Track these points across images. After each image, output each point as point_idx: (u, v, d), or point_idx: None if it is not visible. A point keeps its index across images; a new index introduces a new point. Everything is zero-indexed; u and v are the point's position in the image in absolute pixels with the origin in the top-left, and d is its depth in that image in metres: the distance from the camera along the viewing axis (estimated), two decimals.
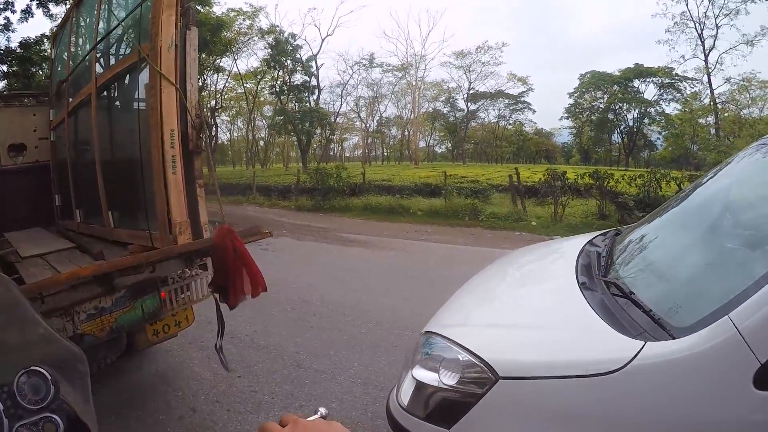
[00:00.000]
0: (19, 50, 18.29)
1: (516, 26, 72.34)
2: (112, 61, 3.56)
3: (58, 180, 4.81)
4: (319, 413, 0.68)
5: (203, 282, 2.93)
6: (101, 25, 3.72)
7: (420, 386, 1.72)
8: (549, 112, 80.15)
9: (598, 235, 2.70)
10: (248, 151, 44.46)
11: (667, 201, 2.99)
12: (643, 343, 1.39)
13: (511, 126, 45.65)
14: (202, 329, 3.66)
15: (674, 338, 1.38)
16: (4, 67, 18.58)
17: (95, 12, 3.90)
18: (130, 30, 3.26)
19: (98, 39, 3.65)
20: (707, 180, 2.42)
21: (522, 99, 43.17)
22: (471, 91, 41.59)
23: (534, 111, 44.40)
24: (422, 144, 47.96)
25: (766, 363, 1.21)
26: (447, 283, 5.44)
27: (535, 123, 46.32)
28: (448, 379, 1.63)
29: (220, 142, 40.80)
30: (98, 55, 3.70)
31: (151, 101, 2.56)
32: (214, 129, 34.02)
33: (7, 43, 18.52)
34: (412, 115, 43.13)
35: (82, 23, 4.56)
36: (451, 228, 10.89)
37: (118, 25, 3.42)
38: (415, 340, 1.98)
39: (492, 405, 1.52)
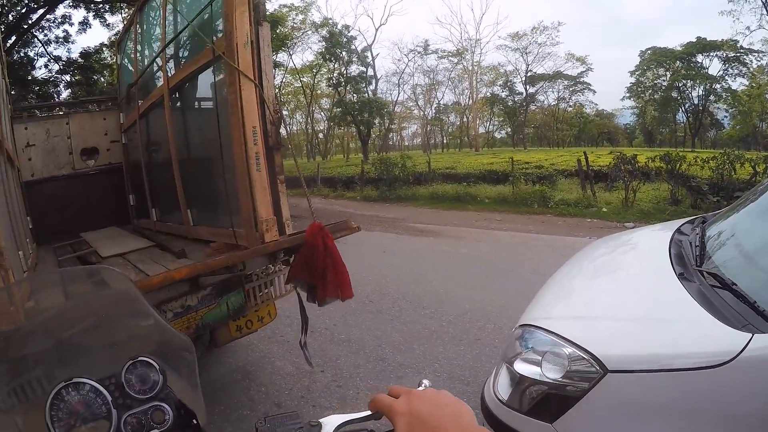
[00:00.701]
0: (80, 60, 19.24)
1: (571, 3, 69.09)
2: (182, 62, 3.60)
3: (131, 180, 4.98)
4: (423, 385, 0.68)
5: (286, 277, 2.92)
6: (168, 27, 3.78)
7: (521, 380, 1.68)
8: (610, 93, 76.59)
9: (685, 223, 2.59)
10: (308, 144, 45.45)
11: (756, 186, 2.86)
12: (751, 335, 1.34)
13: (571, 108, 44.22)
14: (281, 323, 3.64)
15: None
16: (67, 77, 19.62)
17: (160, 15, 3.96)
18: (201, 30, 3.29)
19: (167, 41, 3.70)
20: None
21: (581, 80, 41.67)
22: (529, 74, 40.68)
23: (594, 91, 42.65)
24: (481, 130, 47.30)
25: None
26: (525, 273, 5.41)
27: (596, 104, 44.49)
28: (552, 372, 1.60)
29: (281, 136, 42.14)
30: (168, 57, 3.76)
31: (231, 99, 2.55)
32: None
33: (68, 54, 19.60)
34: (470, 100, 42.73)
35: (146, 27, 4.67)
36: (520, 216, 10.66)
37: (188, 25, 3.44)
38: (512, 333, 1.93)
39: (599, 399, 1.49)
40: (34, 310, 1.15)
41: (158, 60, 3.91)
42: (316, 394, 3.21)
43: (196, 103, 3.46)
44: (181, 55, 3.72)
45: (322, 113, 43.23)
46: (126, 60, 5.41)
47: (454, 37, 61.53)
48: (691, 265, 1.92)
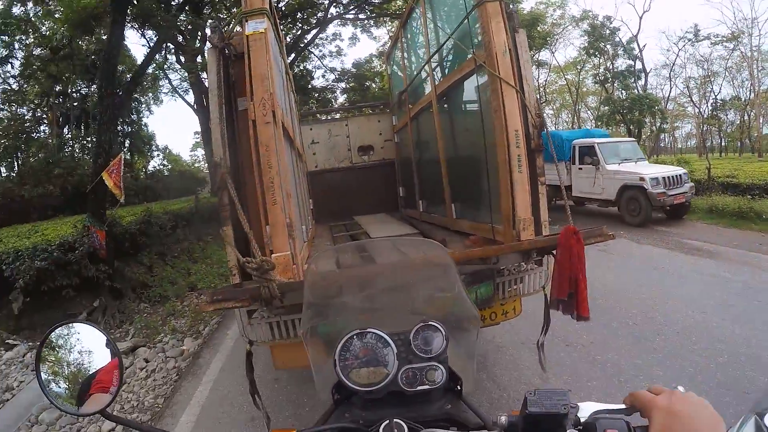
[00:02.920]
0: (353, 69, 22.72)
1: None
2: (447, 71, 3.99)
3: (401, 175, 5.78)
4: (679, 389, 0.67)
5: (536, 276, 3.00)
6: (430, 38, 4.21)
7: None
8: None
9: None
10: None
11: None
12: None
13: None
14: (537, 330, 3.31)
15: None
16: (342, 84, 23.43)
17: (422, 29, 4.44)
18: (461, 40, 3.58)
19: (431, 52, 4.16)
20: None
21: None
22: None
23: None
24: (766, 130, 37.61)
25: None
26: None
27: None
28: None
29: None
30: (433, 66, 4.23)
31: (494, 105, 2.78)
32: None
33: (342, 65, 23.36)
34: (752, 93, 34.32)
35: (411, 40, 5.29)
36: None
37: (449, 38, 3.79)
38: None
39: None
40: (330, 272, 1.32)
41: (425, 69, 4.42)
42: None
43: (462, 107, 3.81)
44: (444, 64, 4.14)
45: (588, 112, 40.32)
46: (395, 69, 6.26)
47: (726, 19, 49.70)
48: None
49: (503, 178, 2.69)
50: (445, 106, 3.99)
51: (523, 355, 3.96)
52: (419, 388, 0.83)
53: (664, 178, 10.01)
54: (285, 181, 2.47)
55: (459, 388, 0.90)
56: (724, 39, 32.91)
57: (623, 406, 0.70)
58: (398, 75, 5.99)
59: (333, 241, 4.40)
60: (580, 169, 11.45)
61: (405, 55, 5.48)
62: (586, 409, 0.71)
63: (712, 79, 35.53)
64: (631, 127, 28.10)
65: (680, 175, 10.40)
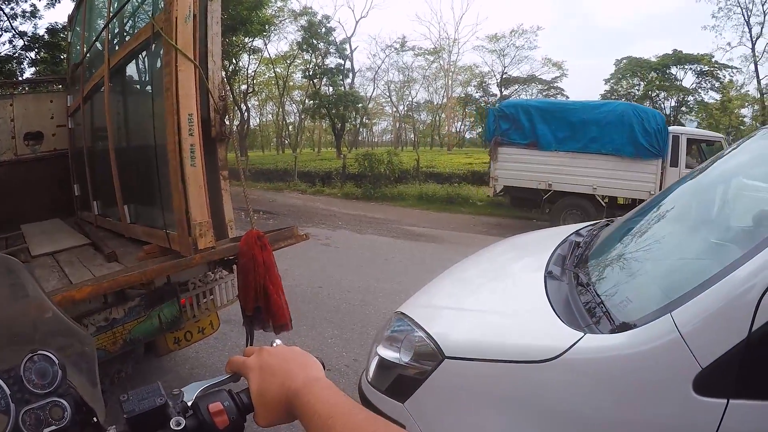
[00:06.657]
0: (46, 37, 18.26)
1: (551, 7, 68.50)
2: (125, 39, 3.23)
3: (76, 169, 4.57)
4: (276, 344, 0.72)
5: (228, 285, 2.60)
6: (115, 2, 3.40)
7: (382, 362, 1.78)
8: (583, 99, 77.40)
9: (587, 226, 2.69)
10: (278, 136, 44.19)
11: (664, 189, 2.93)
12: (582, 334, 1.37)
13: None
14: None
15: (614, 333, 1.35)
16: (32, 54, 18.65)
17: None
18: (145, 4, 2.92)
19: (111, 16, 3.33)
20: (709, 166, 2.36)
21: (555, 85, 41.34)
22: (504, 76, 40.10)
23: (567, 97, 42.51)
24: (453, 129, 47.06)
25: (707, 367, 1.15)
26: None
27: None
28: (406, 356, 1.70)
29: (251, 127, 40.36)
30: (112, 35, 3.40)
31: (166, 81, 2.22)
32: (246, 114, 33.73)
33: (34, 30, 18.56)
34: (444, 99, 42.18)
35: (97, 2, 4.26)
36: (519, 221, 9.62)
37: None
38: (387, 319, 2.03)
39: (438, 383, 1.56)
40: None
41: (102, 37, 3.52)
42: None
43: (136, 85, 3.10)
44: (126, 32, 3.35)
45: (293, 105, 42.13)
46: (76, 37, 4.96)
47: (432, 35, 61.11)
48: (567, 264, 2.02)
49: (174, 173, 2.15)
50: (119, 83, 3.19)
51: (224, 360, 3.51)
52: (46, 430, 0.67)
53: None
54: None
55: (96, 420, 0.75)
56: (427, 52, 39.74)
57: (227, 376, 0.70)
58: (77, 45, 4.73)
59: None
60: None
61: (87, 20, 4.33)
62: (191, 390, 0.66)
63: (411, 84, 42.58)
64: (336, 121, 30.91)
65: None
